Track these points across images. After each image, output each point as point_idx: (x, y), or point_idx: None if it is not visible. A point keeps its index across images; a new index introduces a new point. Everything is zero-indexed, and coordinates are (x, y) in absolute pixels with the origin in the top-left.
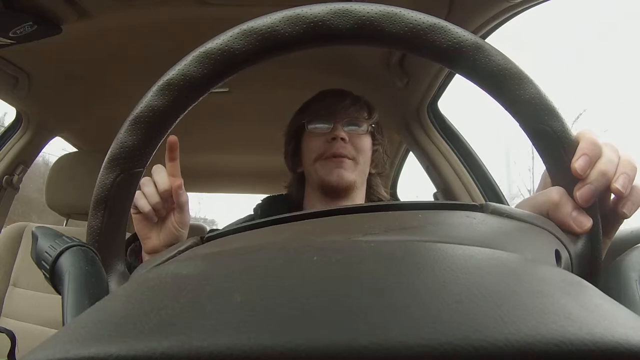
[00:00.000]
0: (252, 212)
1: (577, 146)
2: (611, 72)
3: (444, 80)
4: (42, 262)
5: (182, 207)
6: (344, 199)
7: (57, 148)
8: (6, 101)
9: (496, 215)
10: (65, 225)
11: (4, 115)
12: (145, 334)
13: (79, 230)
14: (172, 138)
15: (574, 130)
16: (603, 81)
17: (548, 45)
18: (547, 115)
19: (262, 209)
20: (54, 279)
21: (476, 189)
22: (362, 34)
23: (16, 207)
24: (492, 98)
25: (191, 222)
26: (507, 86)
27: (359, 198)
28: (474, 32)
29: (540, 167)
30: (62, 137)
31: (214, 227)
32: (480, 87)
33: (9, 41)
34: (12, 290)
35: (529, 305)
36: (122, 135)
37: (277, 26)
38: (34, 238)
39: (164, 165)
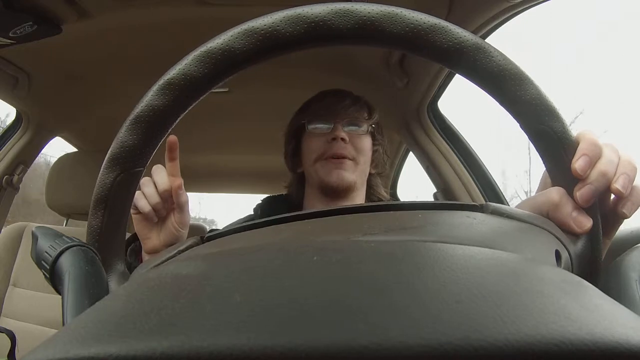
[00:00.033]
0: (252, 212)
1: (577, 147)
2: (611, 72)
3: (444, 80)
4: (42, 262)
5: (182, 207)
6: (344, 199)
7: (57, 149)
8: (6, 101)
9: (496, 216)
10: (65, 225)
11: (6, 117)
12: (145, 334)
13: (79, 230)
14: (172, 138)
15: (573, 130)
16: (603, 81)
17: (548, 45)
18: (547, 115)
19: (262, 209)
20: (54, 279)
21: (476, 189)
22: (363, 34)
23: (20, 209)
24: (492, 98)
25: (191, 222)
26: (508, 87)
27: (359, 198)
28: (474, 32)
29: (539, 168)
30: (62, 137)
31: (214, 227)
32: (481, 88)
33: (9, 41)
34: (12, 290)
35: (529, 305)
36: (122, 134)
37: (278, 26)
38: (34, 238)
39: (164, 165)
